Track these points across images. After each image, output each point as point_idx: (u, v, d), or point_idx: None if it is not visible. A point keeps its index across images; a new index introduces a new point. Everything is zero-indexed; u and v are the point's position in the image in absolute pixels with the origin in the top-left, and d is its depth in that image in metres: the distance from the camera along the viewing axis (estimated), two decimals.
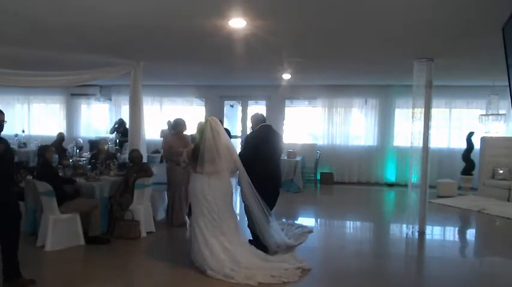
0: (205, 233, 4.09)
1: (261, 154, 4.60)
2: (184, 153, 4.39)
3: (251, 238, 4.71)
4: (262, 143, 4.67)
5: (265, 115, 5.14)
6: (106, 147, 6.60)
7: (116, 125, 9.98)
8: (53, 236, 4.68)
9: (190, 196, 4.34)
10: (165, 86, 10.96)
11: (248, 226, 4.78)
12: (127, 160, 6.21)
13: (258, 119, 4.94)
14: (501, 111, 8.76)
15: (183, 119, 6.17)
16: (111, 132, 9.81)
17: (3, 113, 3.64)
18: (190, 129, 6.05)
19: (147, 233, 5.40)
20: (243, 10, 3.80)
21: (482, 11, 3.72)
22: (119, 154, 7.49)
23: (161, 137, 10.19)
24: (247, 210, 4.57)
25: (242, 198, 4.57)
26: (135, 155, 5.77)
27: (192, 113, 10.80)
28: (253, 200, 4.41)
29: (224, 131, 4.36)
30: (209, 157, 4.11)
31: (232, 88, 10.81)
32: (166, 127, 10.17)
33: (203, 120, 6.04)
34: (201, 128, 4.34)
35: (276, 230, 4.83)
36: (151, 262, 4.43)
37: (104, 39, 5.17)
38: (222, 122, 10.22)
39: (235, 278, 3.88)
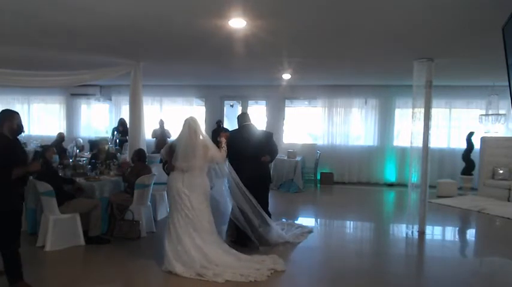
0: (178, 229, 4.14)
1: (234, 153, 4.69)
2: (163, 150, 4.48)
3: (232, 239, 4.89)
4: (234, 143, 4.76)
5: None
6: (106, 147, 6.60)
7: (116, 125, 9.92)
8: (53, 236, 4.68)
9: (168, 193, 4.41)
10: (165, 86, 10.95)
11: (228, 223, 4.87)
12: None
13: (240, 119, 5.23)
14: (501, 111, 8.77)
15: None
16: (112, 133, 9.76)
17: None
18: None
19: (147, 233, 5.40)
20: (243, 10, 3.80)
21: (482, 11, 3.72)
22: (119, 154, 7.47)
23: (153, 137, 10.06)
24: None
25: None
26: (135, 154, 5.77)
27: (191, 113, 10.77)
28: (236, 192, 4.52)
29: (202, 130, 4.38)
30: (183, 153, 4.18)
31: (232, 88, 10.79)
32: (158, 127, 10.07)
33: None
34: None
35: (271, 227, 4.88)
36: (151, 262, 4.43)
37: (104, 39, 5.17)
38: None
39: (204, 276, 3.91)
